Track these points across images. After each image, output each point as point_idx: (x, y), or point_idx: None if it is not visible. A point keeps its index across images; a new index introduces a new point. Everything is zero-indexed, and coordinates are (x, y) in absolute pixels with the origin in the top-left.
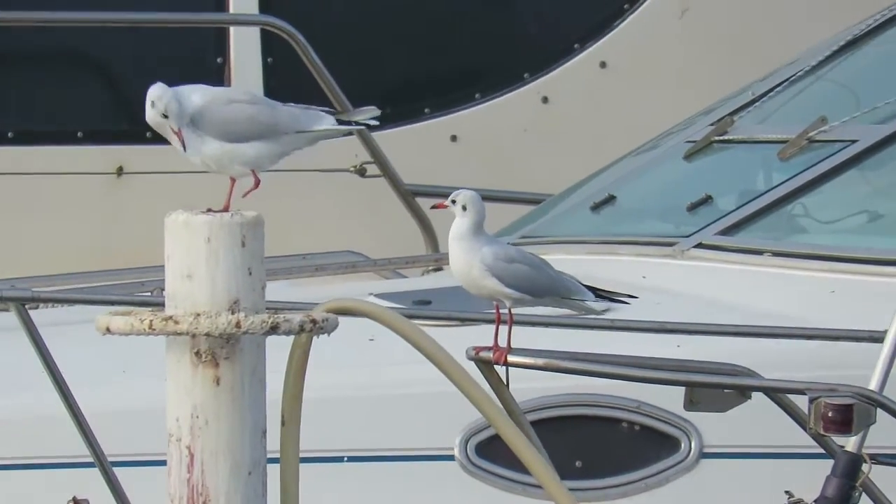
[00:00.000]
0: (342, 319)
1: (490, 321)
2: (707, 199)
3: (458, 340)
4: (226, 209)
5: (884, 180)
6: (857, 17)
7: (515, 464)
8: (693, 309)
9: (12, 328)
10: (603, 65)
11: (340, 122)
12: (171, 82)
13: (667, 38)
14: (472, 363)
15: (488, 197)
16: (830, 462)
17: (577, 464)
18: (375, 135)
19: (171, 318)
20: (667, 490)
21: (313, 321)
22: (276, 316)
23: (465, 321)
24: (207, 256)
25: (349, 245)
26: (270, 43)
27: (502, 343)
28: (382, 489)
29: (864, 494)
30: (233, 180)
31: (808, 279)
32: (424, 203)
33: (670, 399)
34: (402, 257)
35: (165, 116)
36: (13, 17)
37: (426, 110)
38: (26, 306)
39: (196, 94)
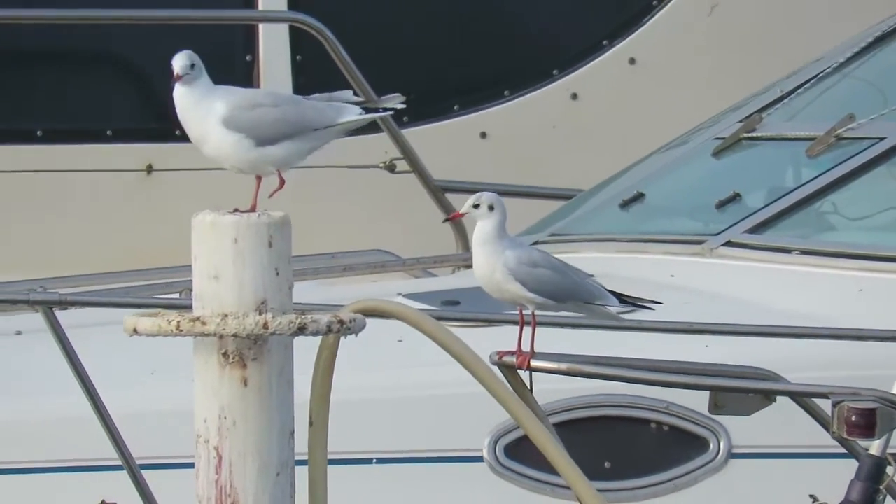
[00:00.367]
0: (370, 320)
1: (515, 322)
2: (735, 197)
3: (487, 341)
4: (252, 209)
5: None
6: (885, 14)
7: (544, 465)
8: (721, 308)
9: (40, 330)
10: (632, 61)
11: (366, 111)
12: None
13: (696, 34)
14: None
15: (516, 193)
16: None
17: (606, 464)
18: (404, 132)
19: (198, 319)
20: (695, 490)
21: (341, 322)
22: (303, 317)
23: (493, 322)
24: (234, 257)
25: (379, 242)
26: (299, 40)
27: (525, 347)
28: (411, 491)
29: (888, 497)
30: (259, 180)
31: (837, 278)
32: (454, 199)
33: (698, 400)
34: (431, 256)
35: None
36: (42, 16)
37: (455, 107)
38: (53, 309)
39: (220, 101)
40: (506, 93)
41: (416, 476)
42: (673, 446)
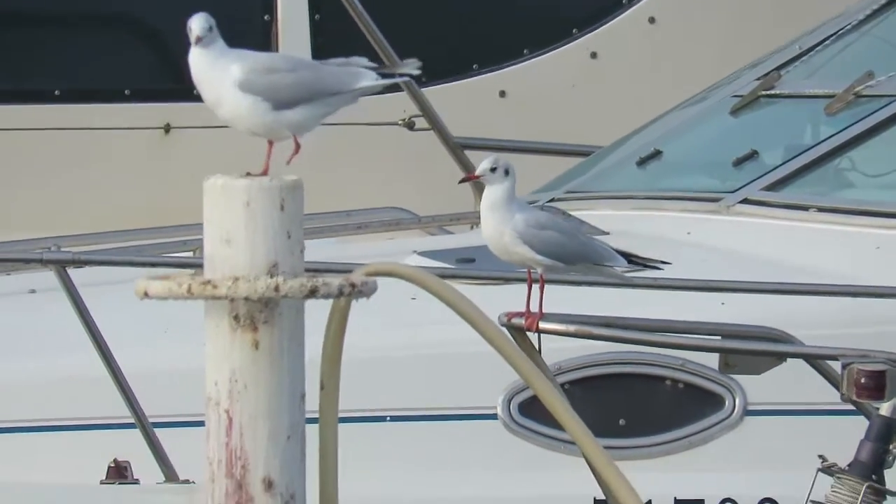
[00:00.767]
0: (384, 279)
1: (535, 281)
2: (753, 155)
3: (502, 299)
4: (264, 173)
5: None
6: None
7: (557, 422)
8: (738, 266)
9: (54, 288)
10: (652, 20)
11: (382, 76)
12: None
13: None
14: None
15: (535, 150)
16: None
17: (621, 422)
18: (423, 91)
19: (209, 282)
20: (710, 448)
21: (352, 285)
22: (314, 279)
23: (508, 280)
24: (246, 220)
25: (397, 201)
26: None
27: (534, 309)
28: (425, 448)
29: None
30: (271, 144)
31: (854, 235)
32: (473, 157)
33: (713, 357)
34: (447, 214)
35: (210, 29)
36: None
37: (474, 66)
38: (66, 268)
39: (236, 66)
40: (525, 52)
41: (430, 434)
42: (688, 403)
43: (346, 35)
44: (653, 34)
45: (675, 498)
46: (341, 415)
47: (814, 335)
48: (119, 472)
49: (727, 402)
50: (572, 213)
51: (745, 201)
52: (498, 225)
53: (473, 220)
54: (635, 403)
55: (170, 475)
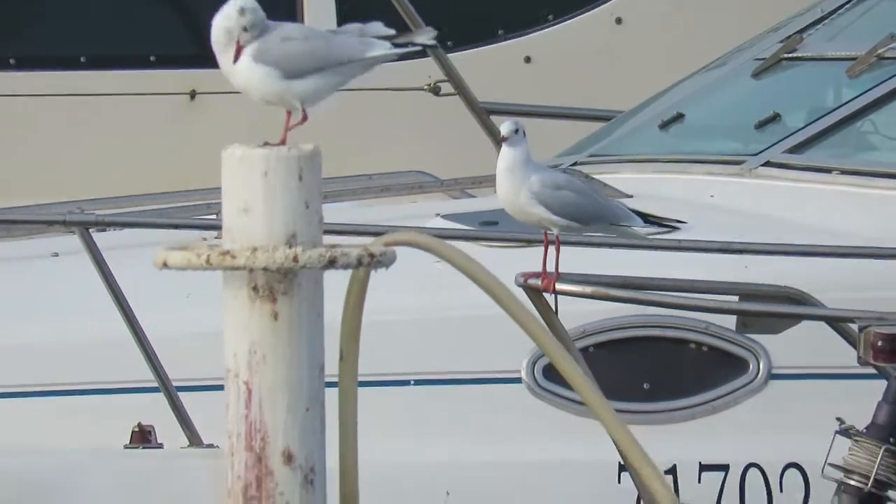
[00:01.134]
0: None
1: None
2: (775, 117)
3: (524, 261)
4: (282, 143)
5: None
6: None
7: None
8: (761, 228)
9: (77, 251)
10: None
11: (396, 46)
12: None
13: None
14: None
15: (561, 115)
16: None
17: (645, 385)
18: (449, 56)
19: (228, 252)
20: (735, 412)
21: (371, 255)
22: (333, 249)
23: (531, 242)
24: (264, 190)
25: (421, 165)
26: None
27: (551, 269)
28: (449, 412)
29: None
30: (289, 114)
31: (877, 197)
32: (499, 122)
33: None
34: (469, 177)
35: (246, 29)
36: None
37: (499, 32)
38: (90, 230)
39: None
40: (550, 17)
41: (453, 397)
42: (712, 367)
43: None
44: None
45: (699, 462)
46: (364, 379)
47: (836, 298)
48: (143, 437)
49: (751, 366)
50: (595, 176)
51: (768, 164)
52: (514, 186)
53: (494, 183)
54: (659, 367)
55: (194, 440)
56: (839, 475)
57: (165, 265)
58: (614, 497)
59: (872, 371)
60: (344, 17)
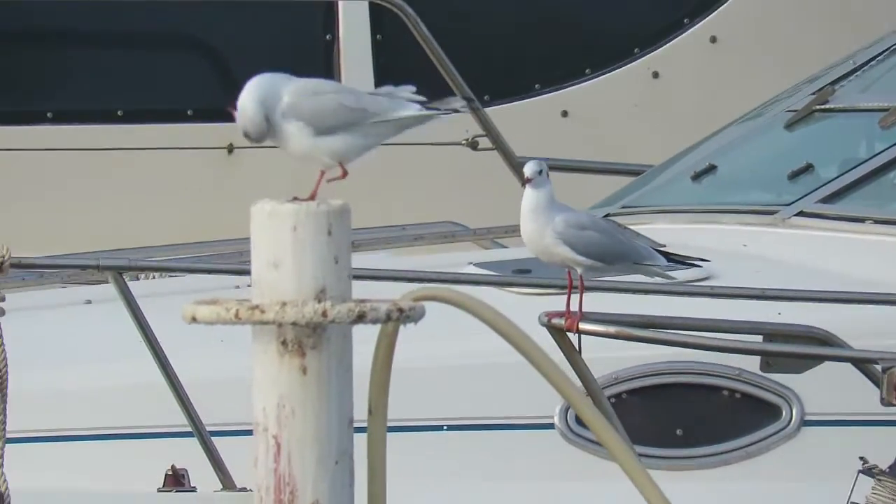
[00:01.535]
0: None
1: (587, 289)
2: (808, 168)
3: (557, 308)
4: (312, 198)
5: None
6: None
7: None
8: (794, 276)
9: (110, 299)
10: (713, 39)
11: (428, 108)
12: (279, 60)
13: (777, 11)
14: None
15: (598, 170)
16: None
17: (678, 432)
18: (487, 110)
19: (257, 307)
20: (768, 458)
21: (400, 310)
22: (362, 304)
23: (564, 289)
24: (294, 245)
25: (461, 219)
26: (380, 19)
27: (575, 309)
28: (482, 458)
29: None
30: (322, 171)
31: None
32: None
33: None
34: (500, 226)
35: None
36: None
37: (536, 86)
38: (123, 275)
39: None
40: (587, 71)
41: (486, 443)
42: (745, 413)
43: (409, 55)
44: (714, 53)
45: None
46: (398, 424)
47: (872, 345)
48: (176, 480)
49: (784, 413)
50: (629, 227)
51: (801, 214)
52: (538, 226)
53: None
54: (692, 413)
55: (227, 483)
56: None
57: (194, 319)
58: None
59: None
60: (380, 70)
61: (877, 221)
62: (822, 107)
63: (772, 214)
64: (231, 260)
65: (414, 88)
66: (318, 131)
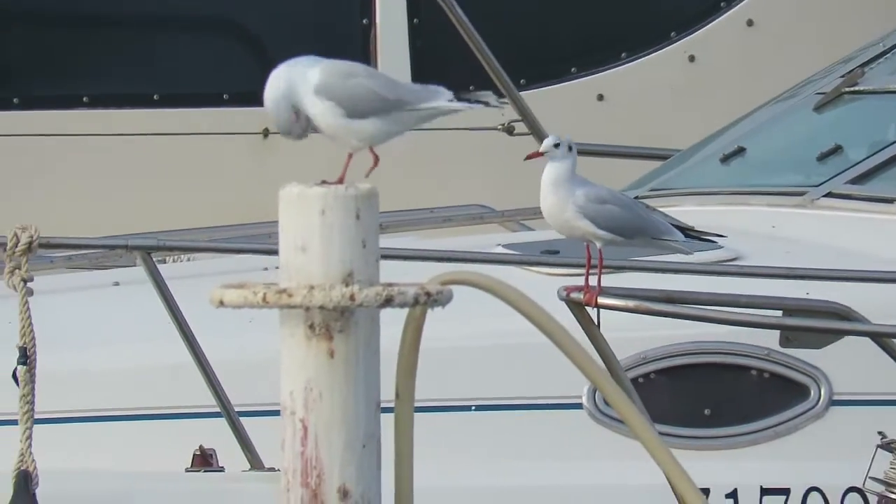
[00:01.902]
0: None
1: (615, 269)
2: (837, 149)
3: None
4: (340, 182)
5: None
6: None
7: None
8: (823, 257)
9: (137, 281)
10: (750, 23)
11: (459, 99)
12: (316, 44)
13: None
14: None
15: (634, 155)
16: None
17: (706, 412)
18: (523, 94)
19: (284, 291)
20: (796, 438)
21: (428, 294)
22: (390, 288)
23: (593, 268)
24: (321, 229)
25: (496, 204)
26: (416, 2)
27: (594, 284)
28: (510, 438)
29: None
30: (350, 154)
31: None
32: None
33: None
34: (528, 208)
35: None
36: None
37: (572, 69)
38: (151, 254)
39: (315, 69)
40: (623, 55)
41: (515, 423)
42: (773, 393)
43: (445, 39)
44: (751, 36)
45: (760, 487)
46: (426, 404)
47: None
48: (204, 460)
49: (812, 392)
50: (658, 209)
51: (830, 195)
52: (559, 200)
53: None
54: (721, 393)
55: (255, 463)
56: (880, 488)
57: (222, 303)
58: None
59: None
60: (417, 54)
61: None
62: (851, 89)
63: (800, 196)
64: (259, 241)
65: (444, 88)
66: (348, 113)
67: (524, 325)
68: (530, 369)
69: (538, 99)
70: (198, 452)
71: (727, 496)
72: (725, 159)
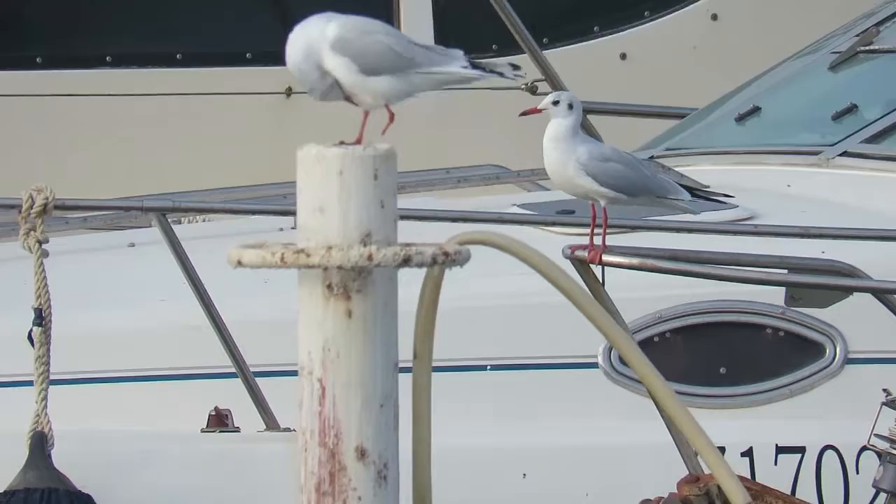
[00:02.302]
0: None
1: (631, 228)
2: (852, 109)
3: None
4: (358, 142)
5: None
6: None
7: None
8: (838, 216)
9: (153, 242)
10: None
11: (475, 67)
12: (338, 3)
13: None
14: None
15: (657, 114)
16: None
17: (722, 370)
18: (545, 53)
19: (302, 251)
20: (812, 396)
21: (446, 254)
22: (408, 248)
23: (609, 228)
24: (339, 190)
25: (517, 164)
26: None
27: (598, 242)
28: (525, 397)
29: None
30: (366, 113)
31: None
32: (595, 120)
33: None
34: (543, 168)
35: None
36: None
37: (595, 28)
38: (166, 216)
39: (333, 24)
40: (646, 14)
41: (530, 382)
42: (789, 352)
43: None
44: None
45: (776, 445)
46: (442, 364)
47: None
48: (220, 421)
49: (828, 351)
50: (674, 168)
51: (845, 154)
52: (561, 157)
53: None
54: (736, 352)
55: (270, 423)
56: (885, 445)
57: (240, 263)
58: None
59: None
60: (440, 13)
61: None
62: (867, 48)
63: (816, 155)
64: (274, 202)
65: (461, 52)
66: (363, 70)
67: (539, 285)
68: (545, 329)
69: (560, 58)
70: (213, 413)
71: (742, 454)
72: (741, 119)
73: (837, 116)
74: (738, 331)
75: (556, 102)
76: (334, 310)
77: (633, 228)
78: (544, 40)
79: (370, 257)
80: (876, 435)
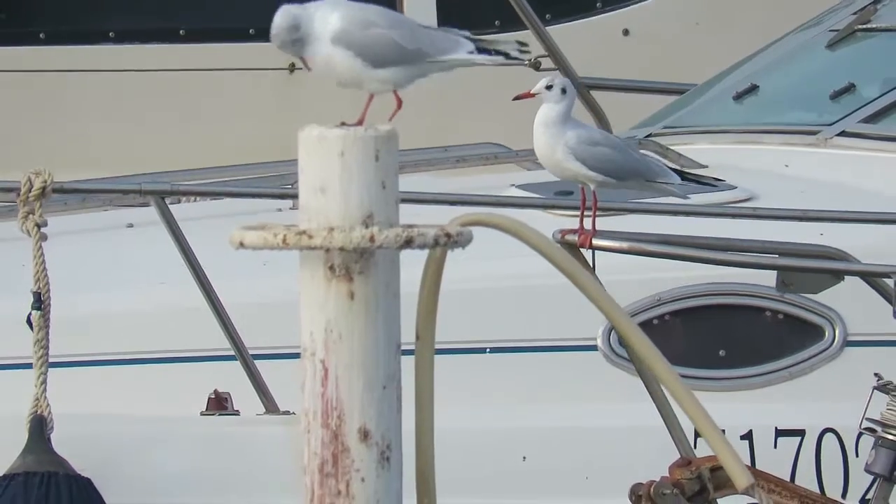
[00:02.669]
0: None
1: (630, 211)
2: (850, 88)
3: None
4: (360, 123)
5: None
6: None
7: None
8: (836, 197)
9: (151, 222)
10: None
11: (481, 51)
12: None
13: None
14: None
15: (660, 90)
16: None
17: (721, 353)
18: (548, 30)
19: (304, 232)
20: (810, 379)
21: (448, 235)
22: (410, 230)
23: (608, 210)
24: (341, 171)
25: (518, 142)
26: None
27: (588, 226)
28: (524, 380)
29: None
30: (370, 95)
31: None
32: (598, 96)
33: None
34: None
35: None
36: None
37: (598, 4)
38: (166, 199)
39: (336, 14)
40: None
41: (529, 365)
42: (788, 334)
43: None
44: None
45: (775, 428)
46: (441, 347)
47: None
48: (219, 404)
49: (827, 333)
50: (670, 147)
51: (843, 133)
52: (550, 140)
53: None
54: (735, 334)
55: (270, 407)
56: (877, 430)
57: (242, 245)
58: None
59: None
60: (444, 7)
61: None
62: (864, 26)
63: (814, 135)
64: (272, 184)
65: (468, 33)
66: (366, 62)
67: (539, 267)
68: (545, 311)
69: (563, 34)
70: (212, 396)
71: (742, 437)
72: (738, 97)
73: (835, 96)
74: (737, 313)
75: (549, 87)
76: (336, 291)
77: (630, 211)
78: (547, 16)
79: (372, 239)
80: (867, 419)
